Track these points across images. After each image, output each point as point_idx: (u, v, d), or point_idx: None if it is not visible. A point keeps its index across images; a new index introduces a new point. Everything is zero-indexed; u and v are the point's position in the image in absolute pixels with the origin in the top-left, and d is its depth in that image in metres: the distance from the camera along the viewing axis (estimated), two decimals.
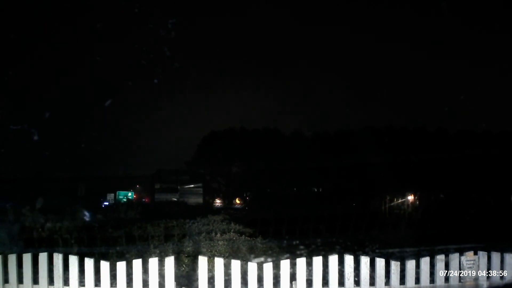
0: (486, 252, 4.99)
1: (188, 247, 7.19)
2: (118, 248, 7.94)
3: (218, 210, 19.33)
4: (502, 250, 5.03)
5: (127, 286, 4.73)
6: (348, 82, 54.35)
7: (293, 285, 4.71)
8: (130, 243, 8.22)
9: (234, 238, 7.43)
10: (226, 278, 4.69)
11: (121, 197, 28.79)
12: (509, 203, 25.05)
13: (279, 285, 4.68)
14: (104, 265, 4.78)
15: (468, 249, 5.02)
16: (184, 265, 6.48)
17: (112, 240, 8.44)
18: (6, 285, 4.94)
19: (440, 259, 4.90)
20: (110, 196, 27.45)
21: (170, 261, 4.73)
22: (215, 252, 6.86)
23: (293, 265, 4.74)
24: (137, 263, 4.73)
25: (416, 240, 11.16)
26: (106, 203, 26.13)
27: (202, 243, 7.30)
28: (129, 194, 30.05)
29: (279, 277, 4.69)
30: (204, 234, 7.84)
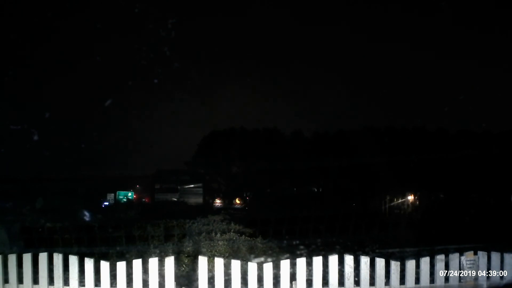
0: (486, 252, 4.99)
1: (188, 247, 7.20)
2: (118, 248, 7.96)
3: (218, 210, 19.33)
4: (502, 250, 5.03)
5: (127, 286, 4.73)
6: (348, 82, 54.35)
7: (293, 285, 4.71)
8: (130, 243, 8.23)
9: (234, 238, 7.43)
10: (226, 278, 4.69)
11: (121, 197, 28.81)
12: (509, 203, 25.06)
13: (279, 285, 4.68)
14: (104, 265, 4.78)
15: (468, 249, 5.02)
16: (184, 265, 6.48)
17: (112, 240, 8.45)
18: (6, 285, 4.94)
19: (440, 259, 4.90)
20: (110, 196, 27.46)
21: (170, 261, 4.73)
22: (215, 252, 6.87)
23: (293, 265, 4.74)
24: (137, 263, 4.72)
25: (416, 240, 11.16)
26: (106, 203, 26.16)
27: (202, 243, 7.31)
28: (129, 194, 30.07)
29: (279, 277, 4.68)
30: (204, 234, 7.84)
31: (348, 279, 4.76)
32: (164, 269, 4.70)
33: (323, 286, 4.74)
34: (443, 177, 26.84)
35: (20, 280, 4.92)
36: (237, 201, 34.89)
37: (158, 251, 7.12)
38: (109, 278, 4.77)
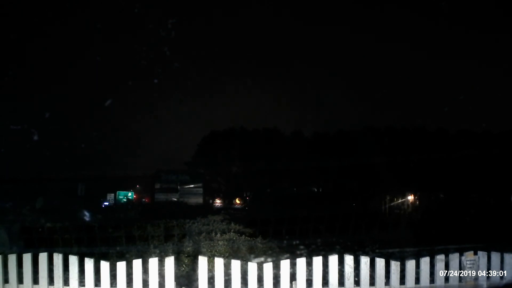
0: (486, 252, 4.99)
1: (188, 247, 7.20)
2: (118, 248, 7.95)
3: (218, 210, 19.30)
4: (502, 250, 5.03)
5: (127, 286, 4.73)
6: (348, 82, 54.36)
7: (293, 285, 4.71)
8: (130, 243, 8.23)
9: (234, 238, 7.43)
10: (226, 278, 4.69)
11: (121, 197, 28.76)
12: (509, 203, 25.06)
13: (279, 285, 4.68)
14: (104, 265, 4.78)
15: (468, 249, 5.02)
16: (184, 265, 6.49)
17: (112, 240, 8.44)
18: (6, 285, 4.94)
19: (440, 259, 4.90)
20: (110, 196, 27.39)
21: (170, 261, 4.73)
22: (215, 252, 6.87)
23: (293, 265, 4.74)
24: (137, 263, 4.73)
25: (416, 240, 11.15)
26: (106, 203, 26.10)
27: (202, 243, 7.31)
28: (129, 194, 30.01)
29: (279, 277, 4.69)
30: (204, 234, 7.84)
31: (348, 279, 4.76)
32: (164, 269, 4.70)
33: (323, 286, 4.74)
34: (443, 177, 26.83)
35: (20, 280, 4.92)
36: (237, 201, 34.88)
37: (158, 251, 7.12)
38: (109, 278, 4.77)
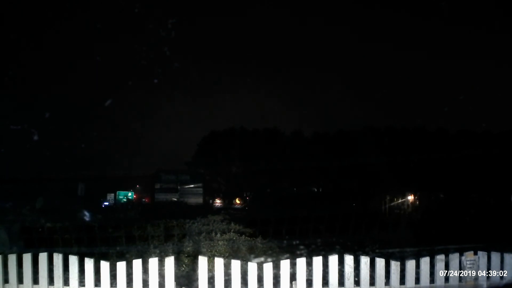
0: (486, 252, 4.99)
1: (188, 247, 7.20)
2: (118, 248, 7.95)
3: (218, 210, 19.30)
4: (502, 250, 5.03)
5: (127, 286, 4.73)
6: (348, 82, 54.38)
7: (293, 285, 4.71)
8: (130, 243, 8.22)
9: (234, 238, 7.43)
10: (226, 278, 4.69)
11: (121, 197, 28.75)
12: (509, 203, 25.07)
13: (279, 285, 4.68)
14: (104, 265, 4.78)
15: (468, 249, 5.02)
16: (184, 265, 6.49)
17: (112, 240, 8.44)
18: (6, 285, 4.94)
19: (440, 259, 4.90)
20: (110, 196, 27.38)
21: (170, 261, 4.73)
22: (215, 252, 6.87)
23: (293, 265, 4.74)
24: (137, 263, 4.72)
25: (416, 240, 11.15)
26: (106, 203, 26.10)
27: (202, 243, 7.31)
28: (129, 194, 30.00)
29: (279, 277, 4.68)
30: (204, 234, 7.84)
31: (348, 279, 4.76)
32: (164, 269, 4.70)
33: (323, 286, 4.74)
34: (443, 177, 26.84)
35: (20, 280, 4.92)
36: (237, 201, 34.88)
37: (158, 251, 7.12)
38: (109, 278, 4.77)
